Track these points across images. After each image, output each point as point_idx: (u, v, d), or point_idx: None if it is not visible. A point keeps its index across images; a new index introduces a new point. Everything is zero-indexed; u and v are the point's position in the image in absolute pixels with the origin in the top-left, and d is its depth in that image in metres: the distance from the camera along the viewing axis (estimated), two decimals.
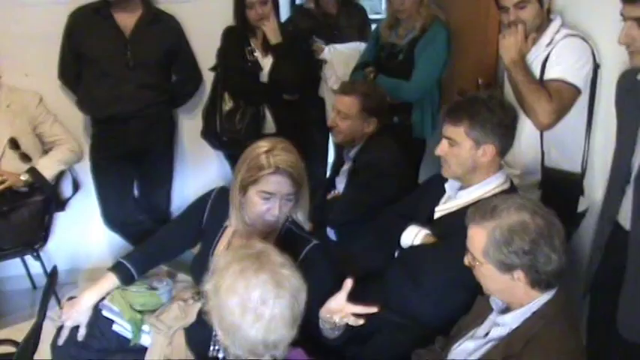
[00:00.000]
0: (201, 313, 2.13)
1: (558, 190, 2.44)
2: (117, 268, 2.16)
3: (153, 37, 3.11)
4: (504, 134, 2.09)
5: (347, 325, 1.89)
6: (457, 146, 2.10)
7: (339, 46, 3.58)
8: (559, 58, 2.37)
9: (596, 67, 2.38)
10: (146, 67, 3.10)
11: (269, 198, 1.95)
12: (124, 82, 3.06)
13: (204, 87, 3.43)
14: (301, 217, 2.10)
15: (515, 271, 1.58)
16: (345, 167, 2.91)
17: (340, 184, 2.92)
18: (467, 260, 1.70)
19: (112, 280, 2.14)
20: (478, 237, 1.63)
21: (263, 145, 1.98)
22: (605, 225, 2.08)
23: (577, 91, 2.36)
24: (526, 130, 2.46)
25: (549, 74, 2.39)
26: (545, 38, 2.45)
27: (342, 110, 2.78)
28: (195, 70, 3.36)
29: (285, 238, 2.05)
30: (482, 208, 1.65)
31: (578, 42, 2.37)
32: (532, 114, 2.37)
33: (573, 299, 1.74)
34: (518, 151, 2.52)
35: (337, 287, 1.93)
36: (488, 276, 1.64)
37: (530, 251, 1.55)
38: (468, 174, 2.14)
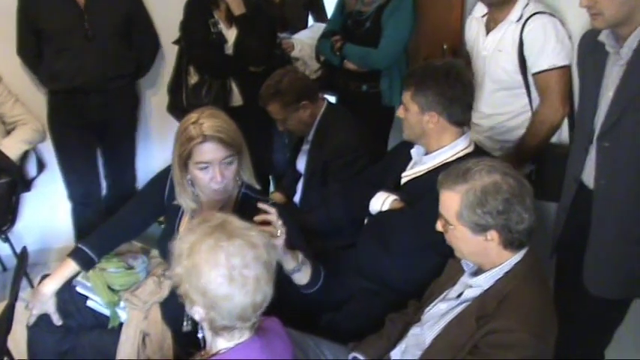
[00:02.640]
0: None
1: (550, 162, 2.48)
2: (76, 253, 2.12)
3: (108, 5, 3.03)
4: (448, 106, 2.08)
5: (312, 265, 1.95)
6: (407, 111, 2.15)
7: (304, 37, 3.55)
8: (538, 46, 2.41)
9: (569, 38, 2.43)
10: (106, 37, 3.03)
11: (207, 167, 1.94)
12: (85, 54, 2.99)
13: (168, 60, 3.38)
14: (246, 178, 2.08)
15: (489, 232, 1.61)
16: (305, 147, 2.92)
17: (301, 163, 2.94)
18: (439, 225, 1.72)
19: (71, 267, 2.11)
20: (451, 201, 1.65)
21: (191, 117, 1.96)
22: (570, 185, 2.13)
23: (569, 68, 2.43)
24: (484, 93, 2.51)
25: (538, 66, 2.44)
26: (515, 13, 2.47)
27: (275, 117, 2.81)
28: (153, 33, 3.30)
29: (242, 204, 2.05)
30: (454, 173, 1.66)
31: (547, 21, 2.41)
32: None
33: (541, 258, 1.78)
34: (482, 116, 2.58)
35: (301, 241, 1.97)
36: (462, 238, 1.66)
37: (503, 211, 1.58)
38: (421, 138, 2.17)
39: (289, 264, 1.91)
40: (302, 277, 1.96)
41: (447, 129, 2.12)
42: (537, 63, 2.43)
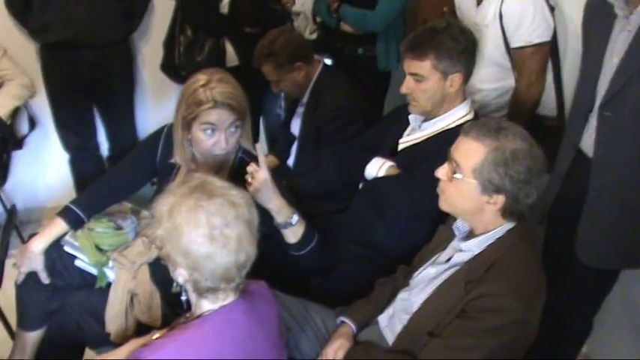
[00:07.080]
0: None
1: (539, 134, 2.46)
2: (65, 213, 2.10)
3: None
4: (469, 60, 2.09)
5: (306, 226, 1.94)
6: (425, 81, 2.08)
7: None
8: (515, 22, 2.36)
9: (551, 10, 2.37)
10: None
11: (213, 129, 1.92)
12: (74, 5, 2.93)
13: (160, 15, 3.31)
14: (246, 144, 2.07)
15: (498, 195, 1.58)
16: (299, 110, 2.88)
17: (295, 126, 2.91)
18: (442, 171, 1.66)
19: (60, 225, 2.09)
20: (474, 151, 1.59)
21: (200, 79, 1.93)
22: (567, 152, 2.09)
23: (547, 44, 2.40)
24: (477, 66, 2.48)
25: (514, 43, 2.40)
26: None
27: (270, 79, 2.77)
28: None
29: (239, 169, 2.03)
30: (485, 125, 1.61)
31: None
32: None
33: (532, 225, 1.77)
34: (472, 91, 2.53)
35: (294, 203, 1.96)
36: (464, 193, 1.62)
37: (523, 180, 1.56)
38: (438, 107, 2.13)
39: (281, 215, 1.90)
40: (292, 235, 1.94)
41: (461, 89, 2.11)
42: (513, 39, 2.40)
